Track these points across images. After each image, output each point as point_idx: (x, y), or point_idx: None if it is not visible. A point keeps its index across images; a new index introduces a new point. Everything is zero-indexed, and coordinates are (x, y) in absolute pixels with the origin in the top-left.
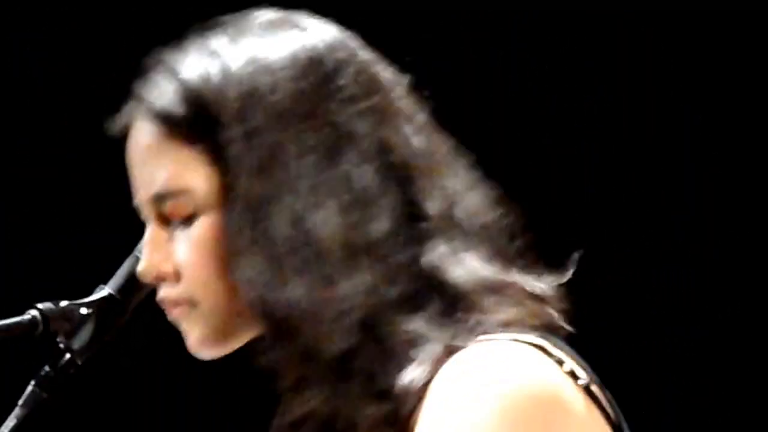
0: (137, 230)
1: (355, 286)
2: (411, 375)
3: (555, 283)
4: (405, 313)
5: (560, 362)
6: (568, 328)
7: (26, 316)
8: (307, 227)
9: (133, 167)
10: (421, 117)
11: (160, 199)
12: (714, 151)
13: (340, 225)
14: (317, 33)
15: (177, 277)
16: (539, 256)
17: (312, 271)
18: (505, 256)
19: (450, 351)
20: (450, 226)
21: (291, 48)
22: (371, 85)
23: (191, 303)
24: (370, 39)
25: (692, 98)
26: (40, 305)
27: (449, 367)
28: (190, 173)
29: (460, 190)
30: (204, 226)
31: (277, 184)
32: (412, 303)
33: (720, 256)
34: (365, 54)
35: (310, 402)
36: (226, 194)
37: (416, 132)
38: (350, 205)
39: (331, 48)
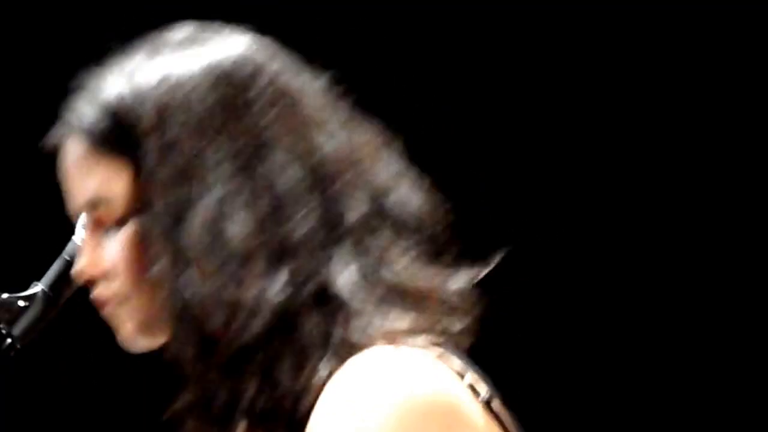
0: (66, 233)
1: (264, 288)
2: (307, 376)
3: (475, 280)
4: (309, 316)
5: (461, 375)
6: (471, 340)
7: None
8: (220, 231)
9: (65, 180)
10: (340, 116)
11: (89, 207)
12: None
13: (253, 229)
14: (229, 47)
15: (107, 277)
16: (470, 248)
17: (222, 273)
18: (431, 249)
19: (349, 354)
20: (372, 227)
21: (202, 63)
22: (281, 95)
23: (120, 301)
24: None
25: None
26: None
27: (346, 371)
28: (114, 183)
29: (387, 183)
30: (129, 230)
31: (192, 192)
32: (318, 307)
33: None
34: (277, 63)
35: (203, 392)
36: (146, 201)
37: (334, 133)
38: (265, 211)
39: (242, 61)
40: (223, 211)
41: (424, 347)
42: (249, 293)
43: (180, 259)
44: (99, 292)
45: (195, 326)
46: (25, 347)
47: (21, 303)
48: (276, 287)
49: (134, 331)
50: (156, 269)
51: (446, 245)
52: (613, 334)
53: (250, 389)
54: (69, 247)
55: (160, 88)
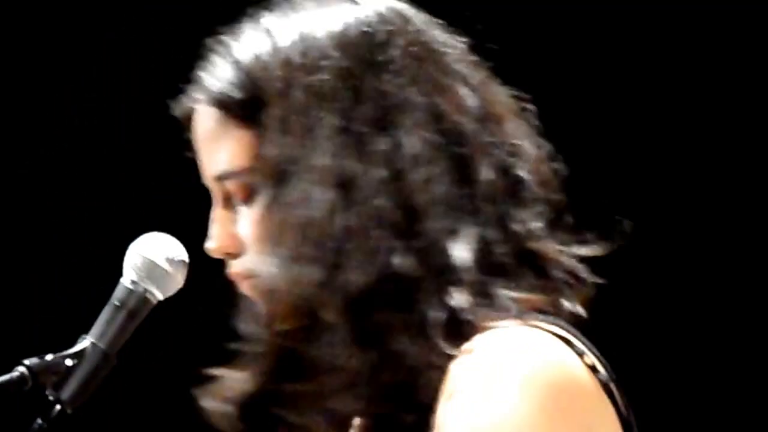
0: (111, 280)
1: (389, 256)
2: (428, 351)
3: (600, 252)
4: (430, 288)
5: (581, 354)
6: (585, 316)
7: (15, 373)
8: (353, 199)
9: (198, 150)
10: (478, 77)
11: (221, 179)
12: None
13: (389, 194)
14: (368, 5)
15: (242, 252)
16: (586, 219)
17: (359, 243)
18: (554, 218)
19: (474, 331)
20: (501, 193)
21: (340, 22)
22: (422, 54)
23: (255, 276)
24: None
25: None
26: (26, 361)
27: (477, 351)
28: (246, 154)
29: (518, 149)
30: (261, 203)
31: (310, 161)
32: (440, 277)
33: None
34: (418, 21)
35: (328, 366)
36: (270, 173)
37: (469, 95)
38: (399, 174)
39: (382, 20)
40: (344, 180)
41: (548, 327)
42: (374, 262)
43: (303, 233)
44: (234, 267)
45: (312, 301)
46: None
47: (68, 362)
48: (400, 255)
49: (271, 310)
50: (276, 246)
51: (568, 215)
52: (613, 335)
53: (369, 362)
54: (118, 291)
55: (296, 48)
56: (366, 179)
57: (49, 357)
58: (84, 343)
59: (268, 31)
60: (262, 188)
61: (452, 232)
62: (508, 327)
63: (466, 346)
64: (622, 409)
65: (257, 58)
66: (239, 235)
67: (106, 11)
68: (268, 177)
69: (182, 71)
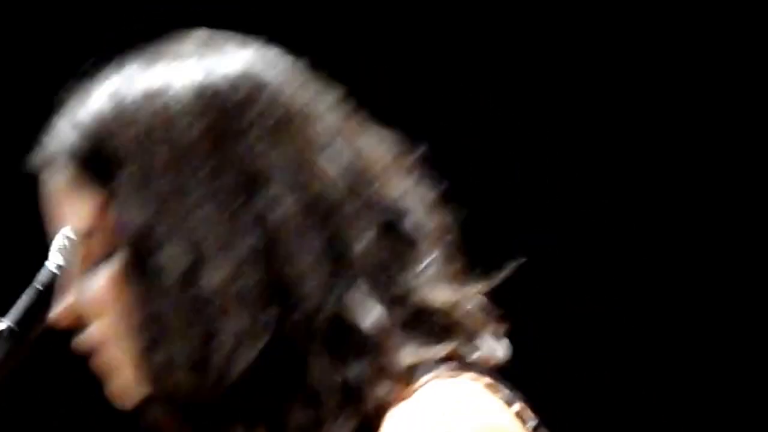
0: (37, 262)
1: (249, 334)
2: (328, 426)
3: (491, 288)
4: (320, 358)
5: (509, 403)
6: (505, 359)
7: None
8: (196, 276)
9: (49, 210)
10: (350, 134)
11: (71, 242)
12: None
13: (235, 272)
14: (228, 63)
15: (94, 317)
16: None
17: (198, 322)
18: (448, 266)
19: (392, 401)
20: (384, 253)
21: (194, 83)
22: (281, 119)
23: (108, 347)
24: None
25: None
26: None
27: (399, 418)
28: (94, 216)
29: (399, 203)
30: (113, 267)
31: (165, 231)
32: (330, 346)
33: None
34: (281, 81)
35: None
36: (124, 237)
37: (340, 156)
38: (250, 250)
39: (240, 81)
40: (201, 253)
41: (472, 378)
42: (229, 342)
43: (151, 308)
44: (86, 336)
45: (170, 383)
46: None
47: None
48: (264, 332)
49: (128, 380)
50: (129, 318)
51: (460, 260)
52: (615, 337)
53: None
54: (41, 275)
55: (144, 110)
56: (220, 256)
57: None
58: (1, 325)
59: (123, 88)
60: (113, 255)
61: (335, 300)
62: (432, 385)
63: (390, 414)
64: None
65: (109, 115)
66: (91, 297)
67: None
68: (119, 244)
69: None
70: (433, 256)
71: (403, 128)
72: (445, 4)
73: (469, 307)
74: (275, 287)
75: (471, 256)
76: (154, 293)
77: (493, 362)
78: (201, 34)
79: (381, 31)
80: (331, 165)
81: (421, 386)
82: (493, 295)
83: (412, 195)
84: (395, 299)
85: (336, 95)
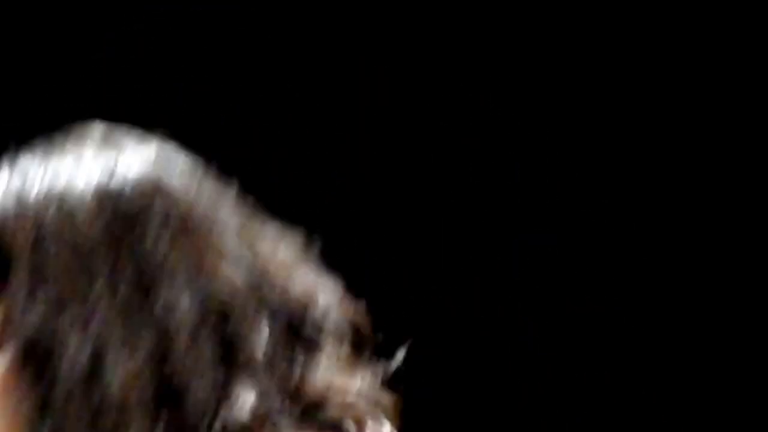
0: None
1: None
2: None
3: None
4: None
5: None
6: None
7: None
8: (92, 379)
9: None
10: (249, 233)
11: None
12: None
13: (131, 376)
14: (128, 164)
15: None
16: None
17: (101, 421)
18: (351, 355)
19: None
20: (280, 352)
21: (95, 186)
22: (178, 224)
23: None
24: None
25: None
26: None
27: None
28: None
29: (297, 301)
30: (2, 365)
31: (59, 332)
32: None
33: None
34: (178, 182)
35: None
36: (14, 336)
37: (238, 258)
38: (147, 354)
39: (141, 182)
40: (100, 357)
41: None
42: None
43: (45, 406)
44: None
45: None
46: None
47: None
48: None
49: None
50: (21, 414)
51: (364, 347)
52: (615, 337)
53: None
54: None
55: (42, 209)
56: (129, 354)
57: None
58: None
59: (23, 182)
60: (3, 351)
61: (227, 401)
62: None
63: None
64: None
65: (7, 209)
66: None
67: None
68: (10, 342)
69: None
70: (333, 350)
71: (403, 129)
72: (446, 4)
73: (360, 397)
74: (169, 391)
75: (472, 258)
76: (51, 396)
77: None
78: (99, 128)
79: (381, 31)
80: (230, 267)
81: None
82: (493, 296)
83: (313, 290)
84: (289, 396)
85: (234, 196)
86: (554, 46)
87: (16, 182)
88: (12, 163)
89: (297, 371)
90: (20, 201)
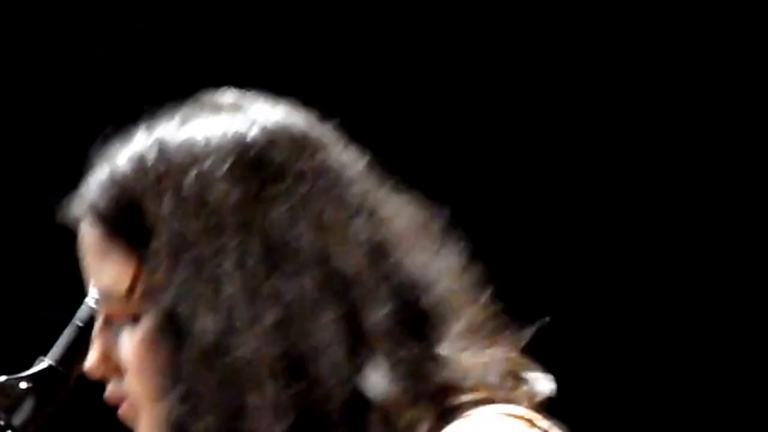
0: (75, 303)
1: (273, 407)
2: None
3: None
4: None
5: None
6: (552, 390)
7: None
8: (232, 346)
9: (82, 262)
10: (376, 203)
11: (101, 297)
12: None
13: (264, 343)
14: (262, 132)
15: (120, 375)
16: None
17: (225, 394)
18: (479, 333)
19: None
20: (405, 326)
21: (230, 152)
22: (312, 189)
23: (133, 402)
24: None
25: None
26: None
27: None
28: (125, 277)
29: (422, 275)
30: (142, 331)
31: (198, 297)
32: (351, 421)
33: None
34: (314, 148)
35: None
36: (149, 304)
37: (364, 227)
38: (278, 321)
39: (274, 150)
40: (231, 325)
41: (509, 409)
42: (255, 416)
43: (179, 374)
44: (112, 389)
45: None
46: None
47: (23, 385)
48: (288, 409)
49: None
50: (158, 385)
51: (490, 323)
52: (614, 337)
53: None
54: (81, 312)
55: (178, 175)
56: (252, 327)
57: (1, 378)
58: (41, 365)
59: (156, 148)
60: (144, 316)
61: (354, 375)
62: (469, 418)
63: None
64: None
65: (141, 176)
66: (118, 356)
67: None
68: (150, 307)
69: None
70: (458, 326)
71: (402, 129)
72: (446, 4)
73: (495, 373)
74: (295, 364)
75: (473, 260)
76: (186, 361)
77: (539, 399)
78: (230, 93)
79: (381, 31)
80: (355, 237)
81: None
82: (492, 296)
83: (436, 264)
84: (414, 374)
85: (366, 161)
86: (554, 46)
87: (152, 149)
88: (147, 130)
89: (421, 347)
90: (158, 167)
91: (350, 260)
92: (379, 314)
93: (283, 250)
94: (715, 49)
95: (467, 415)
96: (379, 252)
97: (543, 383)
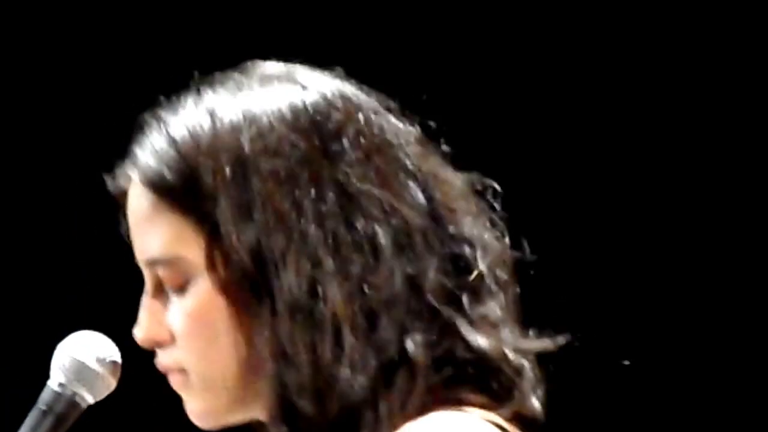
0: (37, 383)
1: (360, 358)
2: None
3: (549, 347)
4: (392, 387)
5: None
6: (538, 414)
7: None
8: (313, 299)
9: (131, 230)
10: (429, 167)
11: (153, 265)
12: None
13: (347, 295)
14: (317, 92)
15: (171, 344)
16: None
17: (318, 344)
18: (511, 309)
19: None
20: (451, 289)
21: (289, 109)
22: (372, 146)
23: (185, 371)
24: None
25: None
26: None
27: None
28: (182, 241)
29: (473, 237)
30: (198, 295)
31: (279, 255)
32: (396, 375)
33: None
34: (368, 108)
35: None
36: (222, 265)
37: (421, 187)
38: (356, 275)
39: (333, 107)
40: (316, 278)
41: (489, 416)
42: (346, 365)
43: (269, 332)
44: (163, 358)
45: (287, 402)
46: None
47: None
48: (370, 357)
49: (201, 408)
50: (233, 341)
51: (521, 305)
52: (614, 337)
53: None
54: (44, 394)
55: (238, 136)
56: (334, 281)
57: None
58: None
59: (212, 112)
60: (205, 280)
61: (404, 332)
62: (450, 414)
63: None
64: None
65: (199, 139)
66: (168, 324)
67: None
68: (219, 271)
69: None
70: (498, 301)
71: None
72: (446, 4)
73: (519, 362)
74: (370, 316)
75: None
76: (271, 317)
77: (533, 418)
78: (276, 64)
79: (380, 31)
80: (413, 197)
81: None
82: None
83: (485, 235)
84: (451, 340)
85: (417, 128)
86: (554, 46)
87: (204, 114)
88: (198, 98)
89: (465, 317)
90: (213, 131)
91: (414, 217)
92: (437, 275)
93: (356, 202)
94: (715, 49)
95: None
96: (437, 213)
97: (535, 401)
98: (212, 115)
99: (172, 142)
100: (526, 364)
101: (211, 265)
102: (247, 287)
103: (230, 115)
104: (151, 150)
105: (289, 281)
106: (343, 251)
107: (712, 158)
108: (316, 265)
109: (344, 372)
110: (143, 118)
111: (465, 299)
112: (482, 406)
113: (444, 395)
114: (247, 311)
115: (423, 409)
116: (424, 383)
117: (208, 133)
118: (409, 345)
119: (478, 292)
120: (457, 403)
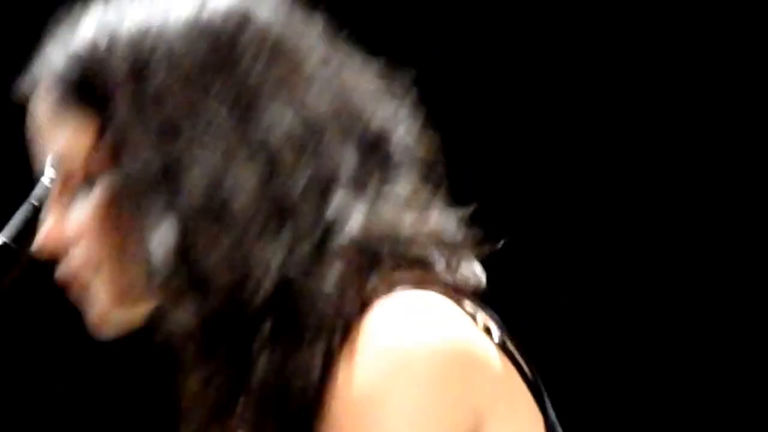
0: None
1: (269, 251)
2: (322, 341)
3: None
4: (316, 274)
5: (474, 318)
6: (482, 282)
7: None
8: (221, 191)
9: (33, 136)
10: (336, 61)
11: (55, 163)
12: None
13: (255, 188)
14: (215, 3)
15: (76, 244)
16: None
17: (225, 236)
18: (432, 189)
19: (362, 309)
20: (369, 175)
21: (188, 13)
22: (272, 47)
23: (91, 270)
24: None
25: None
26: None
27: (364, 331)
28: (81, 137)
29: (383, 127)
30: (101, 190)
31: (182, 148)
32: (322, 262)
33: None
34: (268, 12)
35: (210, 370)
36: (126, 161)
37: (328, 81)
38: (262, 169)
39: (230, 11)
40: (223, 170)
41: (439, 291)
42: (255, 258)
43: (172, 223)
44: (66, 265)
45: (196, 296)
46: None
47: None
48: (281, 250)
49: (109, 305)
50: (138, 232)
51: (441, 183)
52: (613, 337)
53: (261, 364)
54: (37, 191)
55: (139, 36)
56: (241, 173)
57: None
58: None
59: (116, 15)
60: (108, 177)
61: (325, 221)
62: (400, 297)
63: (362, 327)
64: (524, 367)
65: (94, 43)
66: (74, 224)
67: None
68: (122, 167)
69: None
70: (415, 178)
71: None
72: (447, 4)
73: (446, 233)
74: (283, 208)
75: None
76: (178, 213)
77: (468, 286)
78: None
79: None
80: (321, 89)
81: (392, 296)
82: (491, 295)
83: (395, 120)
84: (379, 222)
85: (322, 26)
86: (555, 46)
87: (107, 18)
88: (101, 6)
89: (381, 199)
90: (114, 35)
91: (323, 109)
92: (349, 161)
93: (259, 98)
94: (715, 49)
95: (398, 293)
96: (344, 105)
97: (477, 270)
98: (115, 20)
99: (78, 43)
100: (452, 237)
101: (115, 161)
102: (152, 183)
103: (132, 20)
104: (52, 53)
105: (193, 177)
106: (248, 149)
107: (712, 158)
108: (223, 163)
109: (257, 268)
110: (47, 26)
111: (378, 182)
112: (417, 284)
113: (380, 277)
114: (154, 207)
115: (372, 294)
116: (353, 267)
117: (109, 35)
118: (339, 232)
119: (394, 173)
120: (394, 284)
